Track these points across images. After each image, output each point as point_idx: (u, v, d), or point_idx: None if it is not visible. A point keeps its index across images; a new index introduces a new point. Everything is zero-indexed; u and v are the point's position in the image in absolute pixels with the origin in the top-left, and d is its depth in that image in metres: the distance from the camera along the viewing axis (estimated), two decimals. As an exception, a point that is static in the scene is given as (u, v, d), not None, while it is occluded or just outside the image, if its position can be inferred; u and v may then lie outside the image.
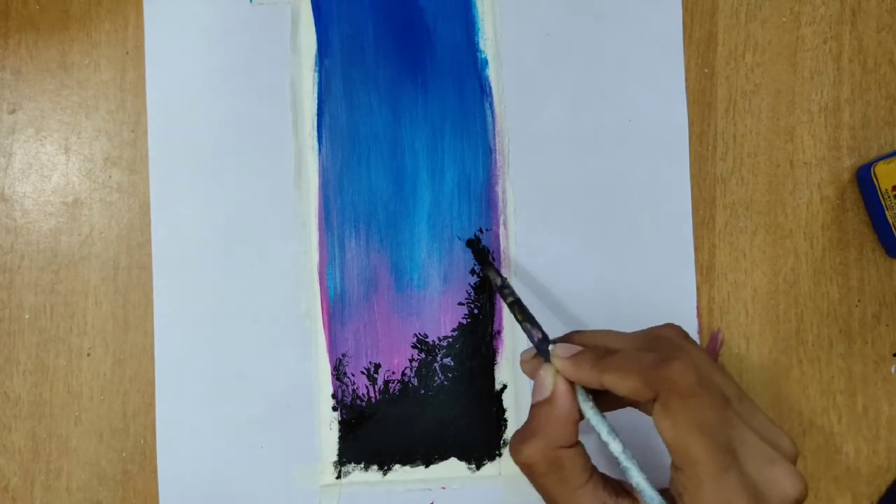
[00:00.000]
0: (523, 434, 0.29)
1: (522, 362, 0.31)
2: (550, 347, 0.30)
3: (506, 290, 0.33)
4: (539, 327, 0.31)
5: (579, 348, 0.29)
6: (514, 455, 0.29)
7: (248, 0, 0.38)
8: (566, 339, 0.31)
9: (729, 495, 0.25)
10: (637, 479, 0.27)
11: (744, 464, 0.26)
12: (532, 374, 0.30)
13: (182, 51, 0.38)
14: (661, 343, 0.29)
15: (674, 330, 0.30)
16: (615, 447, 0.27)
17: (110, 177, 0.38)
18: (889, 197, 0.36)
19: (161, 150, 0.38)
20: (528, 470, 0.29)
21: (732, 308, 0.38)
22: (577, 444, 0.29)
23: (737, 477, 0.25)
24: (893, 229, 0.36)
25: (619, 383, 0.27)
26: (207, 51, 0.38)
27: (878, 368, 0.38)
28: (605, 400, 0.30)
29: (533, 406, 0.29)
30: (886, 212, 0.36)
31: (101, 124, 0.38)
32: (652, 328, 0.31)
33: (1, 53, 0.38)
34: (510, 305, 0.32)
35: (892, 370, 0.38)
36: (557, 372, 0.29)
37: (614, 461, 0.27)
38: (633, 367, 0.27)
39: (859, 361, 0.38)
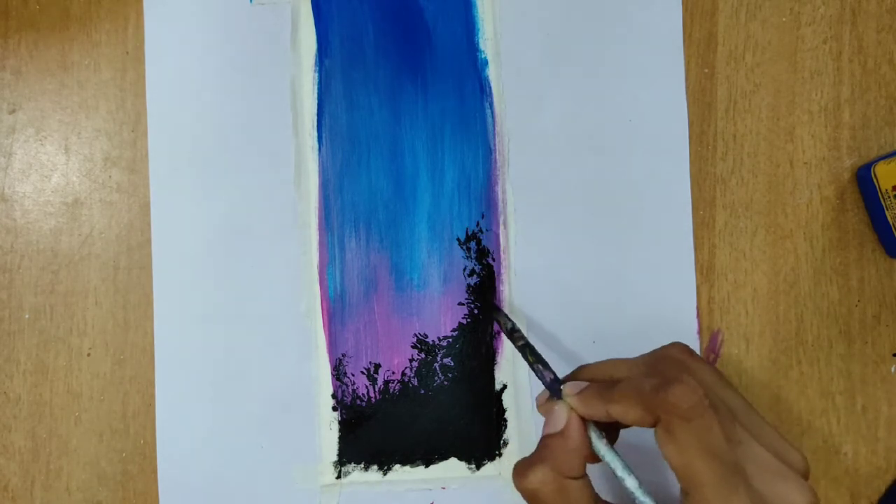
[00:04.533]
0: (530, 461, 0.29)
1: (539, 406, 0.31)
2: (562, 387, 0.30)
3: (516, 333, 0.34)
4: (549, 369, 0.31)
5: (585, 384, 0.29)
6: (520, 481, 0.29)
7: (248, 0, 0.38)
8: (573, 375, 0.31)
9: None
10: None
11: (752, 480, 0.25)
12: (548, 413, 0.30)
13: (182, 51, 0.38)
14: (665, 364, 0.29)
15: (677, 348, 0.30)
16: (631, 483, 0.27)
17: (110, 177, 0.38)
18: (889, 197, 0.36)
19: (161, 150, 0.38)
20: (531, 496, 0.29)
21: (732, 308, 0.38)
22: (584, 476, 0.29)
23: (745, 496, 0.25)
24: (893, 229, 0.36)
25: (623, 413, 0.27)
26: (207, 51, 0.38)
27: (878, 369, 0.38)
28: (615, 426, 0.30)
29: (544, 437, 0.29)
30: (886, 212, 0.36)
31: (101, 124, 0.38)
32: (657, 349, 0.31)
33: (1, 53, 0.38)
34: (521, 349, 0.33)
35: (892, 370, 0.38)
36: (571, 408, 0.29)
37: (630, 497, 0.27)
38: (634, 394, 0.27)
39: (859, 362, 0.38)
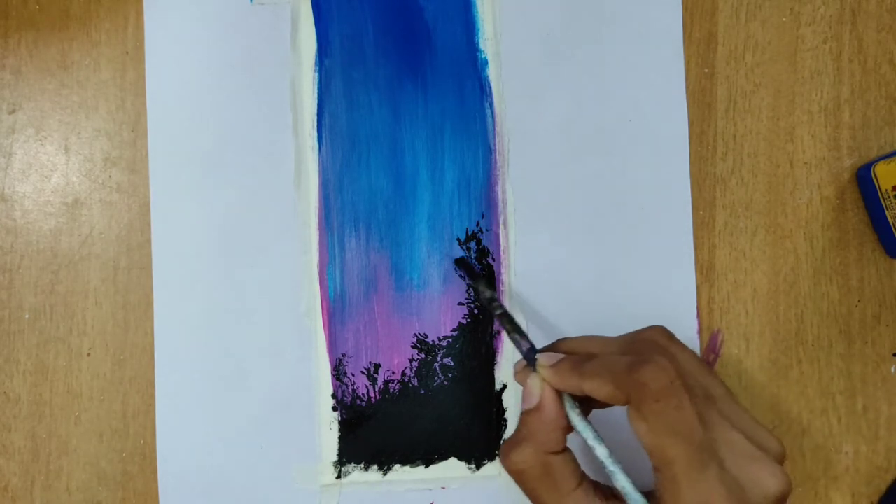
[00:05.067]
0: (513, 441, 0.29)
1: (515, 373, 0.31)
2: (537, 357, 0.30)
3: (494, 302, 0.34)
4: (526, 338, 0.31)
5: (562, 356, 0.29)
6: (505, 462, 0.29)
7: (249, 0, 0.38)
8: (552, 347, 0.32)
9: (707, 493, 0.25)
10: (622, 482, 0.27)
11: (725, 462, 0.26)
12: (524, 383, 0.30)
13: (182, 51, 0.38)
14: (642, 346, 0.29)
15: (657, 331, 0.30)
16: (601, 452, 0.27)
17: (110, 177, 0.38)
18: (889, 197, 0.36)
19: (161, 150, 0.38)
20: (518, 477, 0.29)
21: (732, 308, 0.38)
22: (566, 450, 0.29)
23: (715, 475, 0.25)
24: (893, 229, 0.36)
25: (596, 389, 0.27)
26: (207, 51, 0.38)
27: (878, 369, 0.38)
28: (594, 402, 0.30)
29: (522, 414, 0.30)
30: (886, 212, 0.36)
31: (101, 124, 0.38)
32: (637, 331, 0.31)
33: (1, 53, 0.38)
34: (499, 317, 0.33)
35: (892, 370, 0.38)
36: (545, 380, 0.29)
37: (601, 466, 0.27)
38: (607, 371, 0.27)
39: (859, 362, 0.38)
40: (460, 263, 0.37)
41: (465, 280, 0.37)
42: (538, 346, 0.32)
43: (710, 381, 0.29)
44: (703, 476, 0.25)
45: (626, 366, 0.27)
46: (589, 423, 0.28)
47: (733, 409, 0.28)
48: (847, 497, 0.38)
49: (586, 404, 0.30)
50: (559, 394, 0.29)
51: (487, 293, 0.35)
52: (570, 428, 0.29)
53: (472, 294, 0.38)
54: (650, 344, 0.29)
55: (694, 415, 0.26)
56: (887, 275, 0.38)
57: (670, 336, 0.30)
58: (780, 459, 0.27)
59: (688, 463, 0.25)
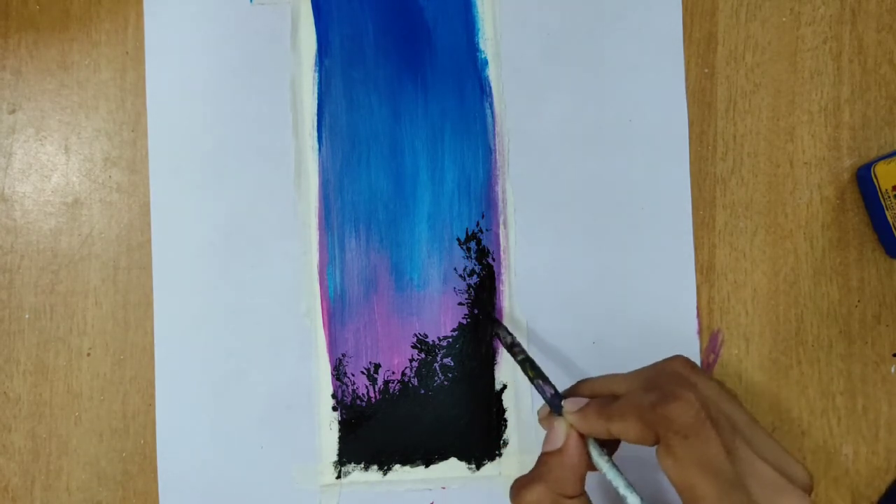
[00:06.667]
0: (528, 479, 0.29)
1: (540, 419, 0.31)
2: (562, 402, 0.30)
3: (516, 347, 0.34)
4: (550, 384, 0.31)
5: (586, 401, 0.29)
6: (517, 499, 0.29)
7: (248, 0, 0.38)
8: (573, 390, 0.31)
9: None
10: None
11: (753, 495, 0.25)
12: (549, 427, 0.30)
13: (182, 51, 0.38)
14: (665, 380, 0.29)
15: (679, 362, 0.30)
16: (633, 501, 0.27)
17: (110, 177, 0.38)
18: (889, 197, 0.36)
19: (161, 150, 0.38)
20: None
21: (732, 308, 0.38)
22: (583, 494, 0.29)
23: None
24: (893, 229, 0.36)
25: (623, 431, 0.27)
26: (207, 51, 0.38)
27: (878, 369, 0.38)
28: (618, 442, 0.30)
29: (543, 454, 0.29)
30: (886, 212, 0.36)
31: (101, 124, 0.38)
32: (658, 363, 0.30)
33: (1, 53, 0.38)
34: (521, 363, 0.33)
35: (892, 370, 0.38)
36: (571, 424, 0.29)
37: None
38: (634, 412, 0.27)
39: (859, 362, 0.38)
40: (482, 310, 0.37)
41: (486, 324, 0.37)
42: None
43: (734, 409, 0.28)
44: None
45: (651, 403, 0.26)
46: (619, 470, 0.28)
47: (759, 438, 0.28)
48: (847, 497, 0.38)
49: (610, 444, 0.30)
50: (584, 439, 0.29)
51: (509, 338, 0.35)
52: (590, 468, 0.29)
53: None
54: (673, 377, 0.29)
55: (721, 449, 0.25)
56: (887, 275, 0.38)
57: (692, 366, 0.30)
58: (808, 488, 0.27)
59: (717, 499, 0.25)
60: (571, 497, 0.28)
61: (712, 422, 0.26)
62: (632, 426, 0.27)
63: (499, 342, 0.37)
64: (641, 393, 0.28)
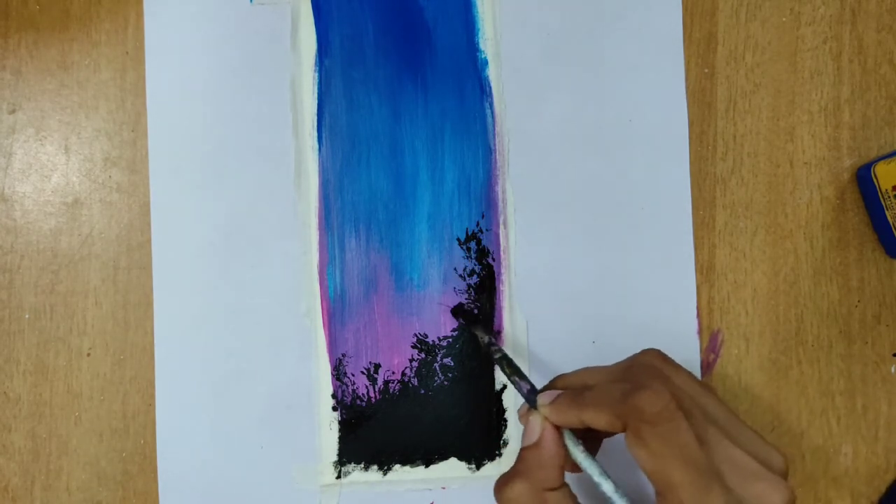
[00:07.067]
0: (507, 476, 0.29)
1: (520, 416, 0.31)
2: (536, 397, 0.30)
3: (493, 346, 0.34)
4: (527, 379, 0.32)
5: (560, 392, 0.30)
6: (498, 496, 0.29)
7: (248, 0, 0.38)
8: (550, 385, 0.32)
9: None
10: None
11: (728, 481, 0.26)
12: (526, 423, 0.30)
13: (182, 51, 0.38)
14: (638, 372, 0.29)
15: (652, 355, 0.31)
16: (607, 487, 0.27)
17: (110, 177, 0.38)
18: (889, 197, 0.36)
19: (161, 150, 0.38)
20: None
21: (732, 308, 0.38)
22: (564, 486, 0.29)
23: (719, 496, 0.25)
24: (893, 229, 0.36)
25: (594, 419, 0.27)
26: (207, 51, 0.38)
27: (878, 369, 0.38)
28: (600, 436, 0.30)
29: (521, 450, 0.30)
30: (886, 212, 0.36)
31: (101, 124, 0.38)
32: (632, 357, 0.31)
33: (1, 53, 0.38)
34: (498, 361, 0.33)
35: (892, 370, 0.38)
36: (546, 418, 0.29)
37: (608, 501, 0.27)
38: (604, 400, 0.27)
39: (859, 362, 0.38)
40: (458, 311, 0.37)
41: (464, 326, 0.37)
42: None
43: (708, 400, 0.29)
44: (707, 498, 0.25)
45: (622, 393, 0.27)
46: (594, 459, 0.28)
47: (733, 426, 0.28)
48: (847, 497, 0.38)
49: (593, 441, 0.30)
50: (560, 431, 0.29)
51: (486, 338, 0.35)
52: (571, 466, 0.29)
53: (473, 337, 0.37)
54: (646, 369, 0.29)
55: (692, 436, 0.26)
56: (887, 275, 0.38)
57: (665, 358, 0.30)
58: (783, 473, 0.27)
59: (691, 486, 0.25)
60: (552, 490, 0.28)
61: (684, 412, 0.26)
62: (602, 414, 0.27)
63: (501, 334, 0.37)
64: (614, 383, 0.28)
